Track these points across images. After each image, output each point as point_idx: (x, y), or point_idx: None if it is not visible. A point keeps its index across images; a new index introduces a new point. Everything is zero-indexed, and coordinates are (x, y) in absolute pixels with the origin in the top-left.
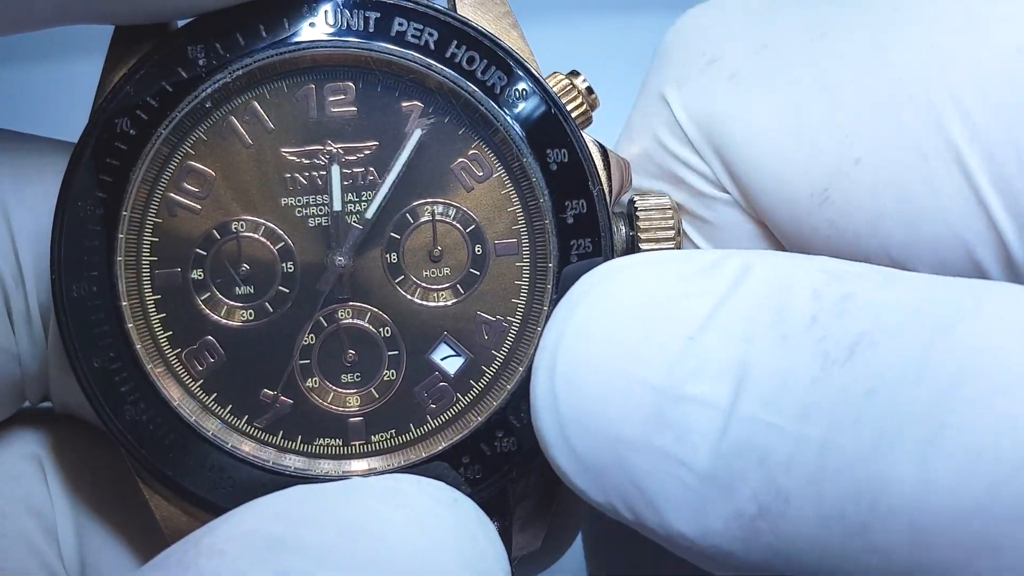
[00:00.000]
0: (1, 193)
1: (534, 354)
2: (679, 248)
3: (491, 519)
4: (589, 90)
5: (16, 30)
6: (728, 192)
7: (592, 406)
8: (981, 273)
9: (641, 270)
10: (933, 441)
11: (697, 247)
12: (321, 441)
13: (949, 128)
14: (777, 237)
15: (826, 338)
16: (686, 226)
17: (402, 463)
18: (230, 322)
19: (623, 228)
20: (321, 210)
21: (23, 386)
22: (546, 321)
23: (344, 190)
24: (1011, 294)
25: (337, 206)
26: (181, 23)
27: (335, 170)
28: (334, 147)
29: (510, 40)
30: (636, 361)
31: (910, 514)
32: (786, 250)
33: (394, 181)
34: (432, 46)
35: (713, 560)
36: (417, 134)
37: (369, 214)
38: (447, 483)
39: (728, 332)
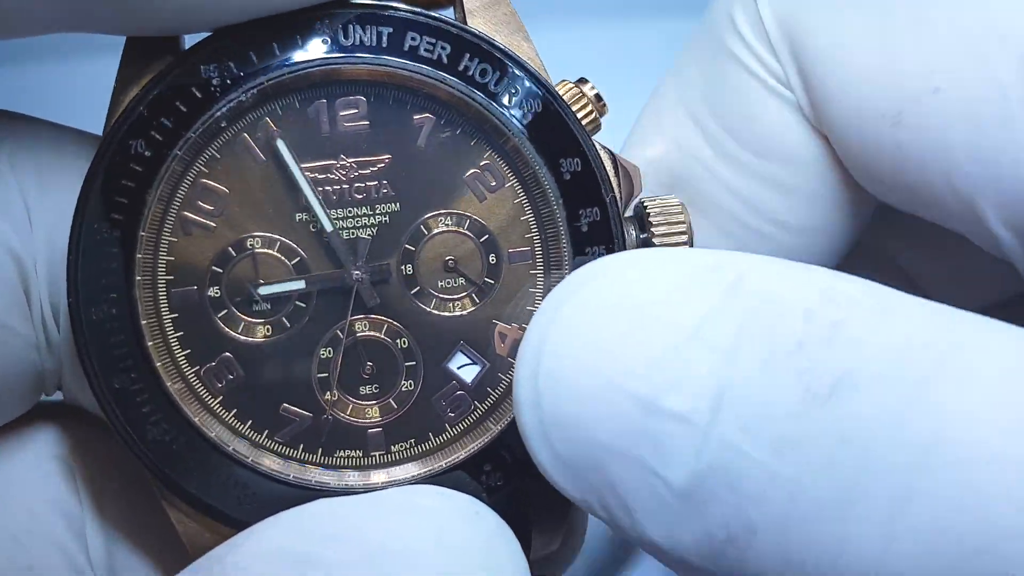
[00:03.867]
0: (24, 187)
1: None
2: (691, 247)
3: (511, 524)
4: (598, 97)
5: (18, 34)
6: (793, 93)
7: (574, 408)
8: None
9: (632, 270)
10: (899, 507)
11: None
12: (341, 453)
13: None
14: (837, 152)
15: (810, 370)
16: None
17: (423, 472)
18: (248, 338)
19: (634, 232)
20: (336, 224)
21: (43, 377)
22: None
23: (358, 204)
24: (998, 341)
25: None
26: (189, 37)
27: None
28: (347, 161)
29: (521, 51)
30: (619, 368)
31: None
32: (842, 164)
33: None
34: (445, 60)
35: (680, 568)
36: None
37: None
38: (468, 492)
39: (712, 346)
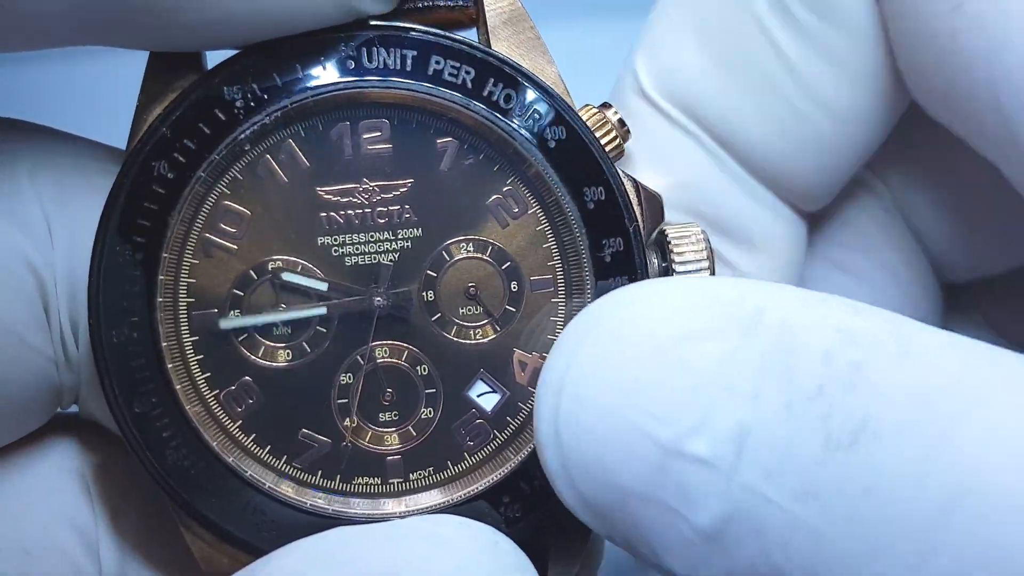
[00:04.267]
0: (45, 201)
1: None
2: (713, 275)
3: (528, 552)
4: (621, 122)
5: (38, 47)
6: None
7: (595, 451)
8: None
9: (650, 304)
10: (924, 561)
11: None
12: (359, 480)
13: None
14: (890, 31)
15: (831, 416)
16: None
17: (441, 502)
18: (268, 363)
19: (655, 260)
20: (358, 249)
21: (61, 393)
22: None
23: (380, 228)
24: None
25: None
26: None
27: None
28: (370, 185)
29: (544, 75)
30: (640, 410)
31: None
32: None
33: None
34: (469, 84)
35: None
36: None
37: None
38: (487, 523)
39: (733, 388)
